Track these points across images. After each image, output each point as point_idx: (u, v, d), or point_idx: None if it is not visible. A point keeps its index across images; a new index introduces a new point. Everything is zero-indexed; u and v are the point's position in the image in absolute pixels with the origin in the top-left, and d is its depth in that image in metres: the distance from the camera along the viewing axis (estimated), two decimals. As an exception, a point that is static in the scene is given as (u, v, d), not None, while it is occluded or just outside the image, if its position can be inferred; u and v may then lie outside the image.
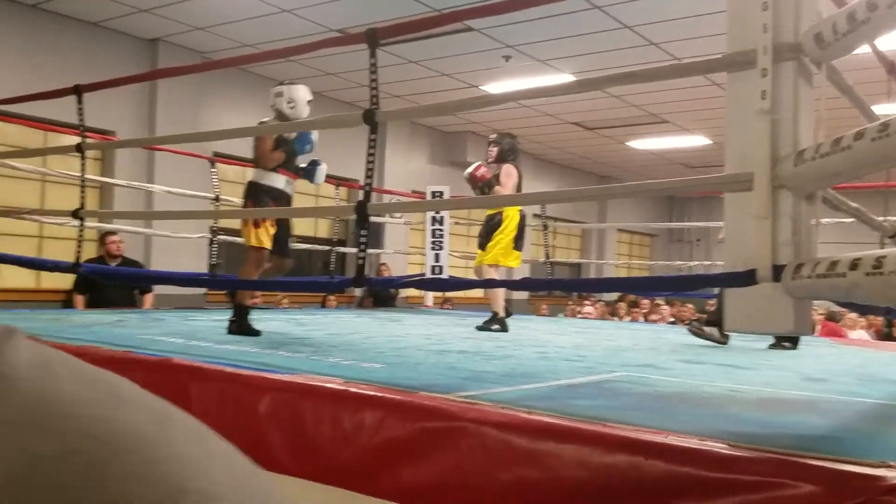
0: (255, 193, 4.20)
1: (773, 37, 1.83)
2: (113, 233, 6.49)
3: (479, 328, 4.91)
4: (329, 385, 2.23)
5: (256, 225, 4.09)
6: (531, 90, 2.40)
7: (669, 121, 10.80)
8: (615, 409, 2.06)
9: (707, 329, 4.39)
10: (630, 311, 10.67)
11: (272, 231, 4.16)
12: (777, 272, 1.80)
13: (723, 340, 4.35)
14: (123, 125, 7.83)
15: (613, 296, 14.14)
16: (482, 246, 5.29)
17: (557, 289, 11.08)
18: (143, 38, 8.12)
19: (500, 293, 5.11)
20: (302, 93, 4.24)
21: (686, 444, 1.60)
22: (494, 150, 5.37)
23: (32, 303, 6.65)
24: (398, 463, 1.96)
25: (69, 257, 4.10)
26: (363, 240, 2.70)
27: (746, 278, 1.84)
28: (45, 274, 7.39)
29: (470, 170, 5.33)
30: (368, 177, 2.67)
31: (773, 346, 4.30)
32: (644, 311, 10.36)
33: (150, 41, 8.16)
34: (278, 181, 4.23)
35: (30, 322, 4.14)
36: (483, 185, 5.26)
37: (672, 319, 9.95)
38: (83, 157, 4.02)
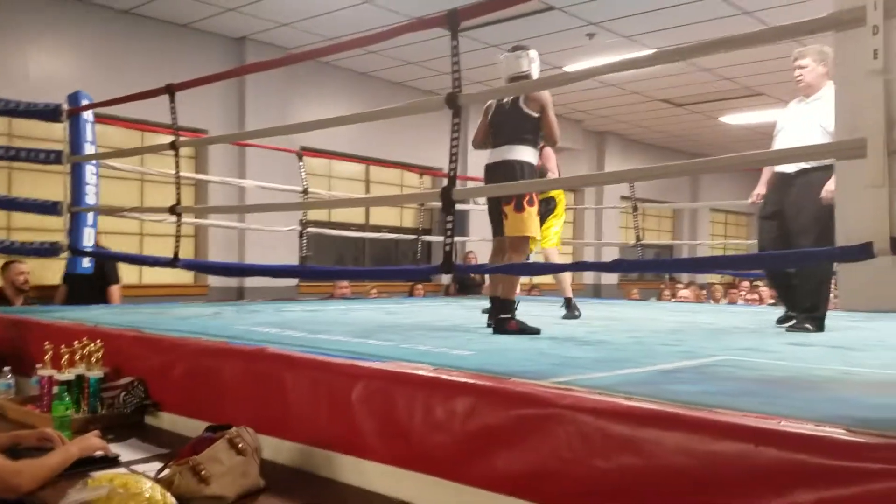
0: (530, 173, 3.83)
1: (885, -10, 1.69)
2: (19, 261, 5.91)
3: (567, 317, 4.81)
4: (420, 372, 2.22)
5: (521, 209, 3.74)
6: (627, 61, 2.29)
7: (765, 93, 10.33)
8: (719, 394, 1.95)
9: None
10: (727, 292, 10.30)
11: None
12: (896, 245, 1.66)
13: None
14: (214, 123, 8.07)
15: (708, 278, 13.71)
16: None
17: (654, 270, 10.79)
18: (231, 37, 8.34)
19: (569, 276, 5.07)
20: (534, 52, 4.02)
21: (800, 430, 1.50)
22: None
23: (136, 298, 6.93)
24: (491, 450, 1.93)
25: (169, 253, 4.23)
26: (449, 226, 2.66)
27: (863, 252, 1.70)
28: (147, 269, 7.71)
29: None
30: (453, 161, 2.63)
31: (791, 328, 3.91)
32: (742, 292, 9.97)
33: (237, 40, 8.37)
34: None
35: (133, 315, 4.31)
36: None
37: (773, 301, 9.54)
38: (177, 155, 4.14)
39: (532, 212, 3.79)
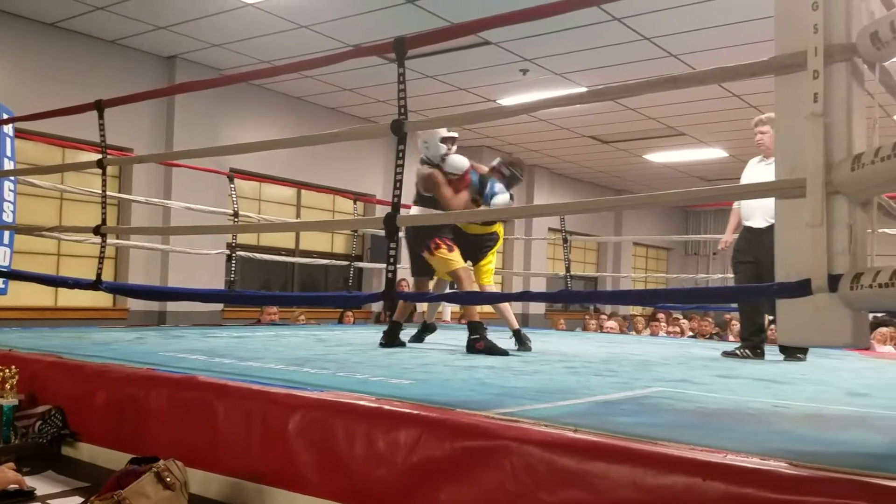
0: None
1: (824, 38, 1.76)
2: None
3: (521, 350, 4.80)
4: (362, 402, 2.16)
5: (451, 249, 4.52)
6: (562, 97, 2.33)
7: (686, 133, 10.72)
8: (661, 426, 1.97)
9: (739, 350, 4.49)
10: (649, 324, 10.54)
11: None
12: (833, 282, 1.72)
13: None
14: (141, 142, 7.84)
15: (630, 310, 14.02)
16: (476, 260, 5.08)
17: (597, 301, 10.99)
18: (161, 56, 8.14)
19: (510, 308, 5.18)
20: (432, 133, 4.50)
21: (747, 464, 1.52)
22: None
23: (51, 321, 6.61)
24: (435, 484, 1.89)
25: (87, 275, 4.05)
26: (392, 252, 2.63)
27: (800, 288, 1.75)
28: (63, 292, 7.37)
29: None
30: (397, 188, 2.60)
31: (787, 358, 4.31)
32: (662, 324, 10.22)
33: (167, 58, 8.18)
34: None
35: (50, 340, 4.09)
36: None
37: (692, 333, 9.81)
38: (104, 173, 3.98)
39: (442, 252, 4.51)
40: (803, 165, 1.77)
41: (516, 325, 4.89)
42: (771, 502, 1.44)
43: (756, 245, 4.36)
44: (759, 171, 4.51)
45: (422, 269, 4.83)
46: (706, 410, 2.33)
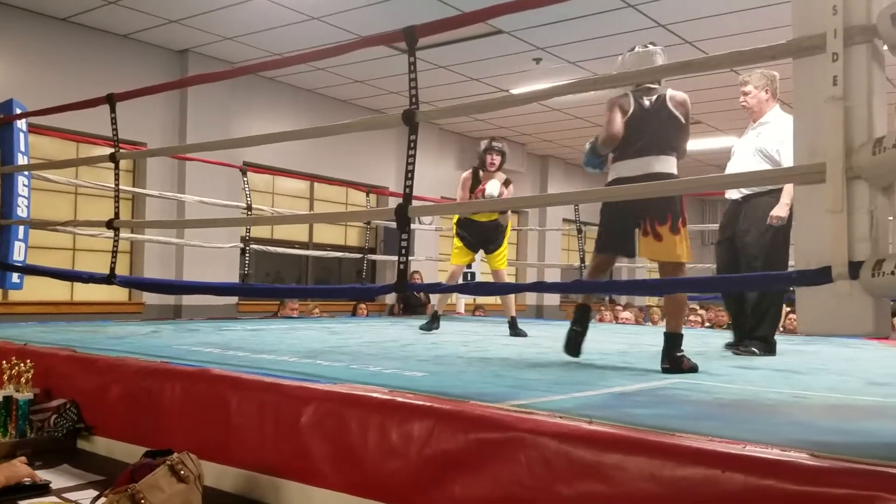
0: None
1: (843, 19, 1.72)
2: None
3: (514, 335, 4.98)
4: (374, 395, 2.15)
5: (677, 230, 3.26)
6: (574, 84, 2.29)
7: (702, 121, 10.60)
8: (678, 417, 1.94)
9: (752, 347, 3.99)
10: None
11: None
12: (854, 269, 1.68)
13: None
14: (154, 136, 7.85)
15: (646, 300, 13.94)
16: (489, 250, 5.34)
17: (612, 291, 10.90)
18: (173, 50, 8.15)
19: (513, 297, 5.29)
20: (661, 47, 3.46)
21: (766, 455, 1.49)
22: (499, 159, 5.26)
23: (66, 315, 6.65)
24: (449, 476, 1.87)
25: (103, 270, 4.06)
26: (404, 244, 2.61)
27: (820, 276, 1.72)
28: (78, 286, 7.41)
29: (492, 191, 5.06)
30: (409, 179, 2.58)
31: (738, 352, 3.94)
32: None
33: (179, 52, 8.19)
34: None
35: (65, 334, 4.11)
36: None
37: (709, 324, 9.74)
38: (117, 167, 3.99)
39: (686, 233, 3.30)
40: (823, 150, 1.73)
41: (513, 313, 5.16)
42: (791, 494, 1.41)
43: (733, 219, 4.13)
44: (746, 139, 4.12)
45: (621, 245, 3.50)
46: (724, 401, 2.30)
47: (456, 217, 5.36)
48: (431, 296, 5.27)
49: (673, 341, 3.16)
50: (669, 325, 3.24)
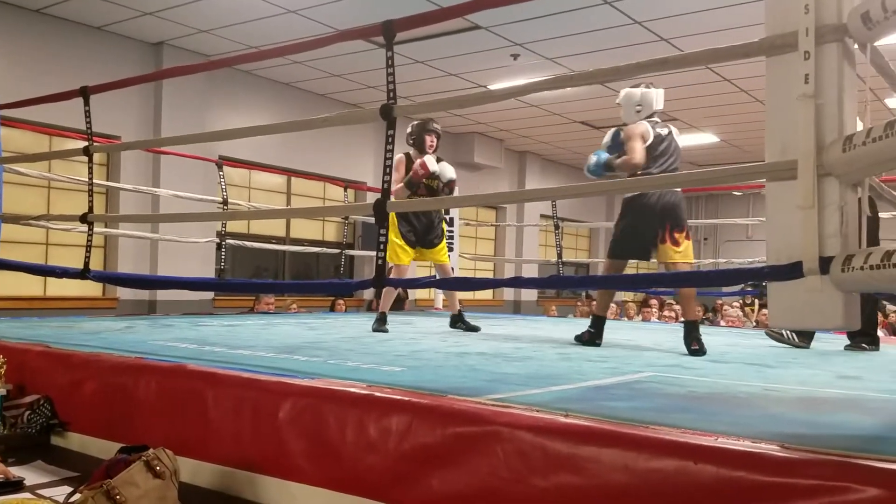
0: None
1: (815, 18, 1.75)
2: None
3: (458, 327, 5.05)
4: (352, 389, 2.15)
5: (689, 237, 4.02)
6: (551, 80, 2.30)
7: (678, 118, 10.70)
8: (652, 410, 1.97)
9: (786, 333, 4.27)
10: (641, 310, 10.57)
11: None
12: (825, 264, 1.71)
13: (802, 344, 4.19)
14: (128, 130, 7.76)
15: (622, 296, 14.05)
16: (433, 244, 5.10)
17: (588, 287, 10.96)
18: (148, 42, 8.06)
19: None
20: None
21: (738, 447, 1.51)
22: (437, 141, 5.10)
23: (39, 310, 6.57)
24: (427, 470, 1.88)
25: (76, 264, 4.01)
26: (382, 239, 2.61)
27: (791, 271, 1.75)
28: (51, 281, 7.32)
29: (436, 166, 4.96)
30: (387, 174, 2.58)
31: (849, 347, 4.16)
32: (653, 310, 10.25)
33: (154, 45, 8.10)
34: None
35: (38, 329, 4.06)
36: (428, 179, 5.00)
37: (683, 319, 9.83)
38: (90, 161, 3.94)
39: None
40: (794, 147, 1.76)
41: (458, 309, 5.18)
42: (762, 485, 1.44)
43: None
44: None
45: (644, 251, 4.06)
46: (697, 395, 2.33)
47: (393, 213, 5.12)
48: (385, 294, 5.02)
49: (693, 325, 3.74)
50: (687, 314, 3.89)
